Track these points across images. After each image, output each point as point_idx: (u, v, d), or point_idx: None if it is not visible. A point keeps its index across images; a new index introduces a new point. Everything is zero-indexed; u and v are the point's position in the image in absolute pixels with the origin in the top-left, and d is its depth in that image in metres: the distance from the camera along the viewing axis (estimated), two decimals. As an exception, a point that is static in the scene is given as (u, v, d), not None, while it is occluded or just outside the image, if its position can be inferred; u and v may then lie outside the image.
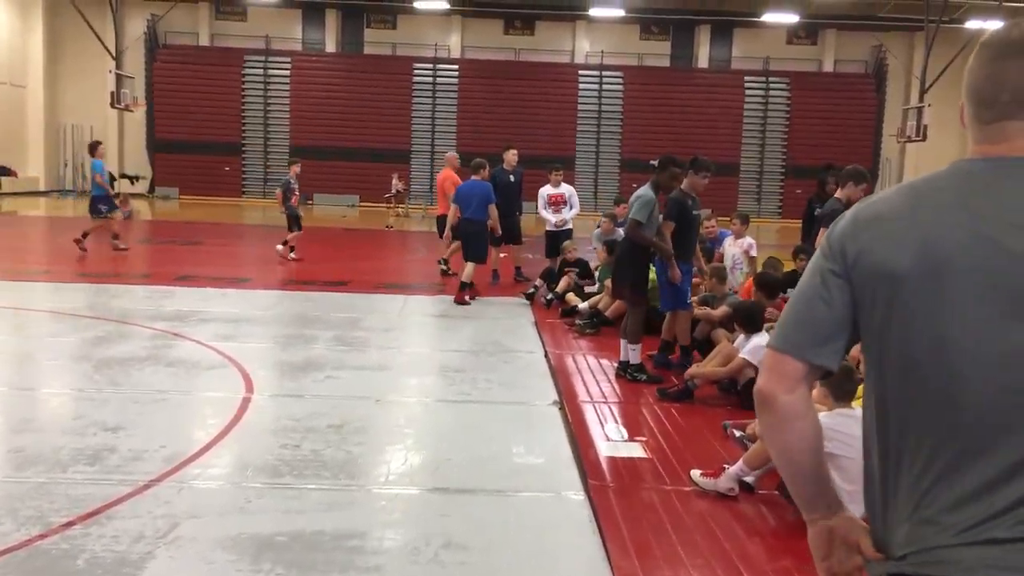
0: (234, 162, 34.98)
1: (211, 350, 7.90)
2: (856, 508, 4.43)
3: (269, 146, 35.31)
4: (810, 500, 1.69)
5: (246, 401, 6.37)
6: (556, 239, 12.27)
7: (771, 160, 35.80)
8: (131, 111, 32.83)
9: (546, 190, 12.78)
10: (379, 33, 36.14)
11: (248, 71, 35.24)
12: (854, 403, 4.58)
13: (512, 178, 12.75)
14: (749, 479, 4.78)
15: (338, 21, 36.07)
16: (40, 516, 4.22)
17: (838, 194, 8.06)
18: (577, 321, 9.60)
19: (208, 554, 3.93)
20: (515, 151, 13.04)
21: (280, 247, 14.90)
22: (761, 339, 6.69)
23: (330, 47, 36.15)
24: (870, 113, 35.20)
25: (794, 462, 1.66)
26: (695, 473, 4.88)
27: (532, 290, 11.35)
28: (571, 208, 12.64)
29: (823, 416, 4.41)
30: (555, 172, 12.99)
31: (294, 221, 14.99)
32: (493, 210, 11.47)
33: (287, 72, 35.23)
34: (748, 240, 9.53)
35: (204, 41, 35.81)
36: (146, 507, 4.39)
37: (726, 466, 4.80)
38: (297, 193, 15.22)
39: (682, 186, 7.60)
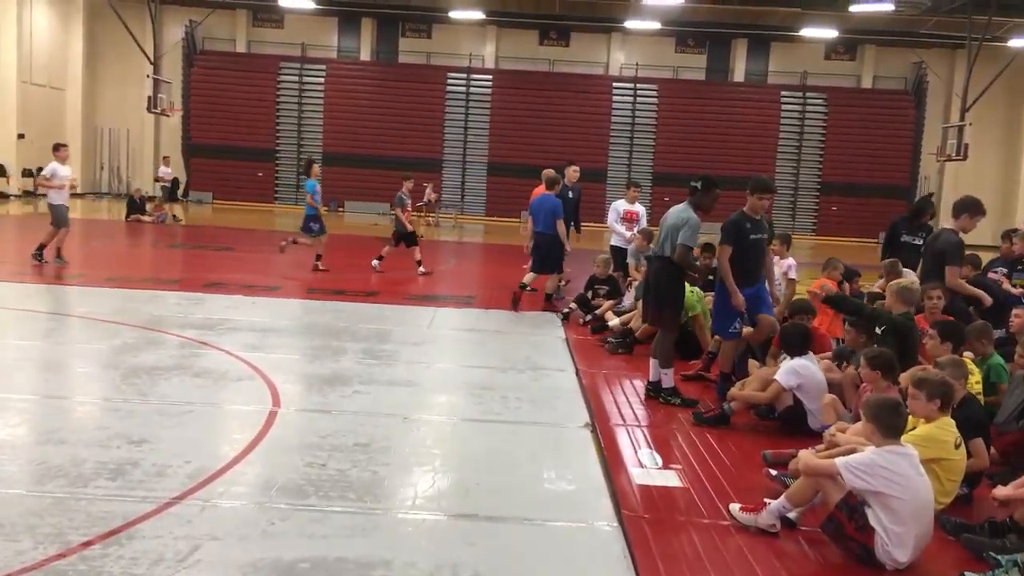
0: (267, 168, 35.17)
1: (239, 360, 7.81)
2: (902, 552, 4.22)
3: (302, 153, 35.41)
4: None
5: (272, 415, 6.26)
6: (623, 255, 12.21)
7: (807, 176, 35.35)
8: (167, 116, 33.13)
9: (622, 204, 12.80)
10: (414, 42, 36.22)
11: (283, 78, 35.46)
12: (903, 439, 4.36)
13: (571, 194, 12.71)
14: (791, 515, 4.57)
15: (373, 30, 36.20)
16: (59, 534, 4.11)
17: (952, 225, 7.85)
18: (609, 339, 9.41)
19: (228, 580, 3.80)
20: (576, 167, 13.08)
21: (376, 262, 14.71)
22: (799, 363, 6.48)
23: (365, 55, 36.29)
24: (909, 131, 34.66)
25: None
26: (734, 507, 4.67)
27: (567, 311, 11.13)
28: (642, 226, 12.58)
29: (872, 453, 4.21)
30: (634, 188, 13.15)
31: (407, 237, 14.65)
32: (560, 226, 11.48)
33: (322, 80, 35.40)
34: (789, 262, 9.25)
35: (241, 48, 36.10)
36: (167, 527, 4.28)
37: (767, 501, 4.59)
38: (409, 208, 14.79)
39: (744, 208, 7.30)
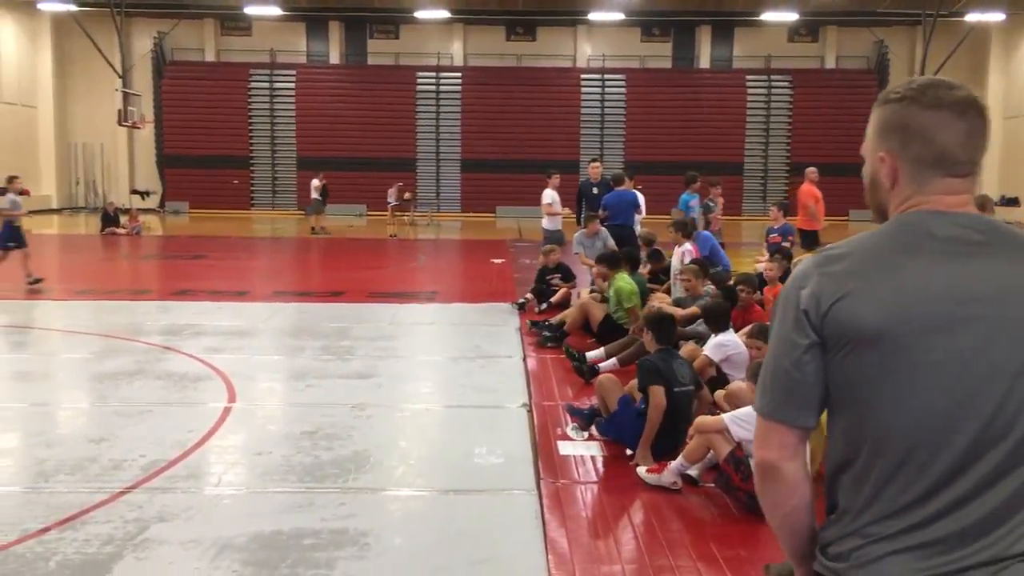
0: (243, 175, 35.44)
1: (199, 363, 8.21)
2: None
3: (276, 158, 35.76)
4: (804, 553, 1.72)
5: (227, 411, 6.66)
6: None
7: (775, 158, 35.87)
8: (139, 128, 33.32)
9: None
10: (382, 43, 36.54)
11: (254, 85, 35.73)
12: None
13: (595, 190, 13.39)
14: (692, 472, 5.01)
15: (342, 33, 36.49)
16: (18, 523, 4.52)
17: None
18: (545, 333, 9.46)
19: (172, 555, 4.21)
20: (598, 163, 14.07)
21: None
22: (724, 337, 6.93)
23: (334, 59, 36.58)
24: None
25: (797, 522, 1.69)
26: (641, 470, 5.11)
27: (523, 301, 11.42)
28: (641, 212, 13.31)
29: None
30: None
31: None
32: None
33: (292, 85, 35.68)
34: (686, 247, 9.76)
35: (210, 57, 36.34)
36: (119, 512, 4.68)
37: (670, 462, 5.03)
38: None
39: None
